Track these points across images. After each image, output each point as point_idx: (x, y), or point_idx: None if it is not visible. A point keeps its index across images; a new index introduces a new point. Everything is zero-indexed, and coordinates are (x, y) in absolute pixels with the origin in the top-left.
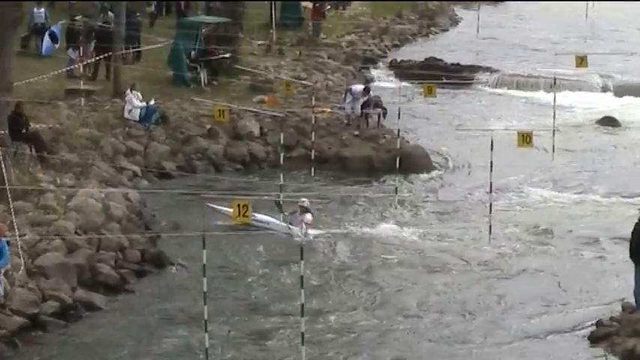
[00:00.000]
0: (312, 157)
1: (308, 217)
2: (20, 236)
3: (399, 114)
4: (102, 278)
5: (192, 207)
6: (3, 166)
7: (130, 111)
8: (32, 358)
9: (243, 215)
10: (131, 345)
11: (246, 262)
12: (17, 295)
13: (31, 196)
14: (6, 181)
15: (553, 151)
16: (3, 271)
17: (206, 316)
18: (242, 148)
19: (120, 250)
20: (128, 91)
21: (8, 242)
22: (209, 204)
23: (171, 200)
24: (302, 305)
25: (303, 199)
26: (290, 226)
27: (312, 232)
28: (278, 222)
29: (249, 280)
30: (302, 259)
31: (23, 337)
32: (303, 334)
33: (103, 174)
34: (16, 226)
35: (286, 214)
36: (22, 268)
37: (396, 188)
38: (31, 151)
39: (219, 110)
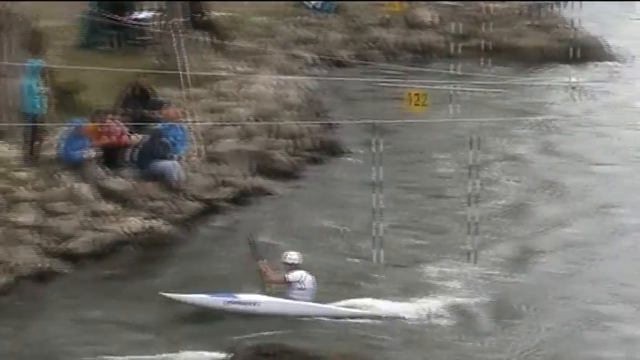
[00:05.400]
0: (486, 46)
1: (295, 274)
2: (196, 122)
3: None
4: (275, 165)
5: (366, 95)
6: (178, 53)
7: None
8: (205, 241)
9: (416, 104)
10: (302, 229)
11: (420, 152)
12: (193, 181)
13: (207, 83)
14: (180, 69)
15: None
16: (180, 156)
17: (374, 205)
18: (416, 38)
19: (294, 137)
20: None
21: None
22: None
23: (345, 88)
24: (469, 195)
25: (292, 253)
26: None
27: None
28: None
29: (422, 168)
30: (471, 148)
31: (198, 221)
32: (469, 223)
33: (278, 62)
34: (191, 113)
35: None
36: (198, 154)
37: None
38: (206, 38)
39: None
